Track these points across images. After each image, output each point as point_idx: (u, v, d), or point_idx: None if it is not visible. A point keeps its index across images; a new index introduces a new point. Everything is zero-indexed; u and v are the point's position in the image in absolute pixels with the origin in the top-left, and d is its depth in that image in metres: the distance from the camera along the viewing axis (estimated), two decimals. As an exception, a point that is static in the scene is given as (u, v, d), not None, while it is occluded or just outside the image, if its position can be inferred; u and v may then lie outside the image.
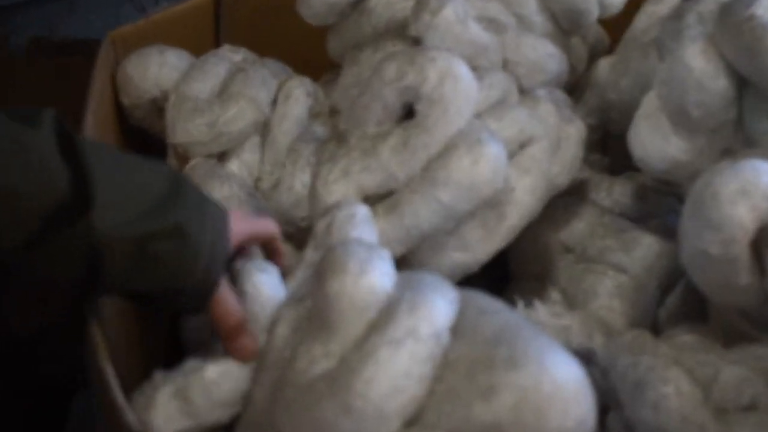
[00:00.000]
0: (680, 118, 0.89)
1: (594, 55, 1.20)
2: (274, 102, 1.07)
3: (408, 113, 0.89)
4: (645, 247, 0.98)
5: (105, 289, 0.73)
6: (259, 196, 1.05)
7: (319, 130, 1.04)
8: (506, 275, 1.06)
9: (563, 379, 0.62)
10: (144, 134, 1.14)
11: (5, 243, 0.67)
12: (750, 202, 0.75)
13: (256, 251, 0.87)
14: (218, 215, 0.77)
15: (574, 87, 1.15)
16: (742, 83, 0.87)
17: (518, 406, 0.61)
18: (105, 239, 0.68)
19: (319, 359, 0.68)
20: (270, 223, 0.89)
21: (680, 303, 0.97)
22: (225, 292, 0.77)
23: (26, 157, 0.66)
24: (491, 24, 1.02)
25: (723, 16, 0.87)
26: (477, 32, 0.98)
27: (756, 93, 0.87)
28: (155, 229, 0.71)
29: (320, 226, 0.84)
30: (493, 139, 0.86)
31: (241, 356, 0.77)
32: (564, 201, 1.03)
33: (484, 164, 0.84)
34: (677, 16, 0.97)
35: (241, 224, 0.82)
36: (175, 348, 0.90)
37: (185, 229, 0.72)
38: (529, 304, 0.96)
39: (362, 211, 0.84)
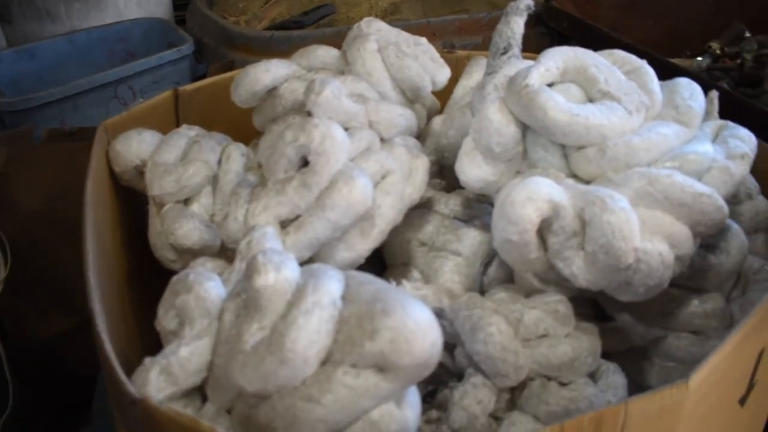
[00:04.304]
0: (487, 153, 0.89)
1: (430, 115, 1.20)
2: (220, 161, 1.03)
3: (304, 163, 0.88)
4: (471, 238, 0.98)
5: None
6: (214, 226, 1.02)
7: (252, 179, 1.00)
8: (383, 265, 1.04)
9: (420, 319, 0.62)
10: (131, 190, 1.08)
11: None
12: (535, 204, 0.76)
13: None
14: None
15: (420, 136, 1.13)
16: (524, 128, 0.88)
17: (394, 340, 0.60)
18: None
19: (256, 332, 0.66)
20: None
21: (495, 272, 0.98)
22: None
23: None
24: (359, 98, 1.00)
25: (509, 86, 0.87)
26: (348, 104, 0.96)
27: (533, 134, 0.88)
28: None
29: (243, 243, 0.82)
30: (362, 174, 0.85)
31: None
32: (418, 212, 1.03)
33: (356, 191, 0.83)
34: (481, 86, 0.97)
35: None
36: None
37: None
38: (399, 283, 0.96)
39: (271, 230, 0.82)
